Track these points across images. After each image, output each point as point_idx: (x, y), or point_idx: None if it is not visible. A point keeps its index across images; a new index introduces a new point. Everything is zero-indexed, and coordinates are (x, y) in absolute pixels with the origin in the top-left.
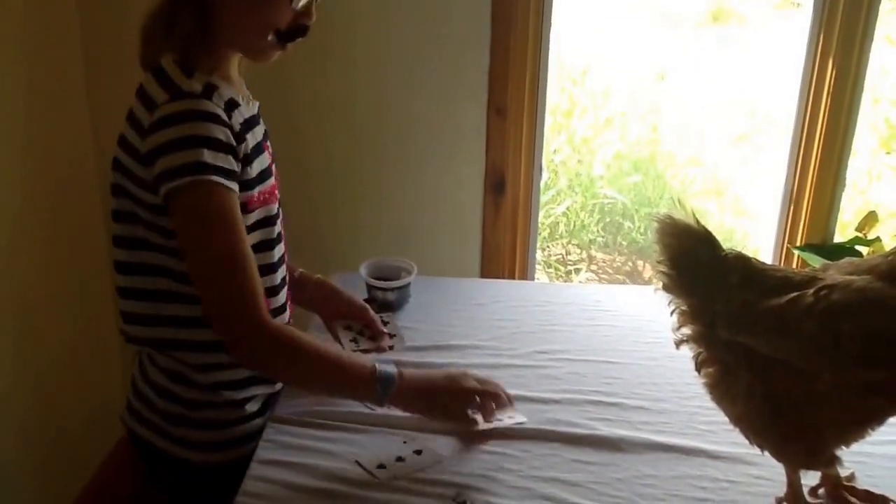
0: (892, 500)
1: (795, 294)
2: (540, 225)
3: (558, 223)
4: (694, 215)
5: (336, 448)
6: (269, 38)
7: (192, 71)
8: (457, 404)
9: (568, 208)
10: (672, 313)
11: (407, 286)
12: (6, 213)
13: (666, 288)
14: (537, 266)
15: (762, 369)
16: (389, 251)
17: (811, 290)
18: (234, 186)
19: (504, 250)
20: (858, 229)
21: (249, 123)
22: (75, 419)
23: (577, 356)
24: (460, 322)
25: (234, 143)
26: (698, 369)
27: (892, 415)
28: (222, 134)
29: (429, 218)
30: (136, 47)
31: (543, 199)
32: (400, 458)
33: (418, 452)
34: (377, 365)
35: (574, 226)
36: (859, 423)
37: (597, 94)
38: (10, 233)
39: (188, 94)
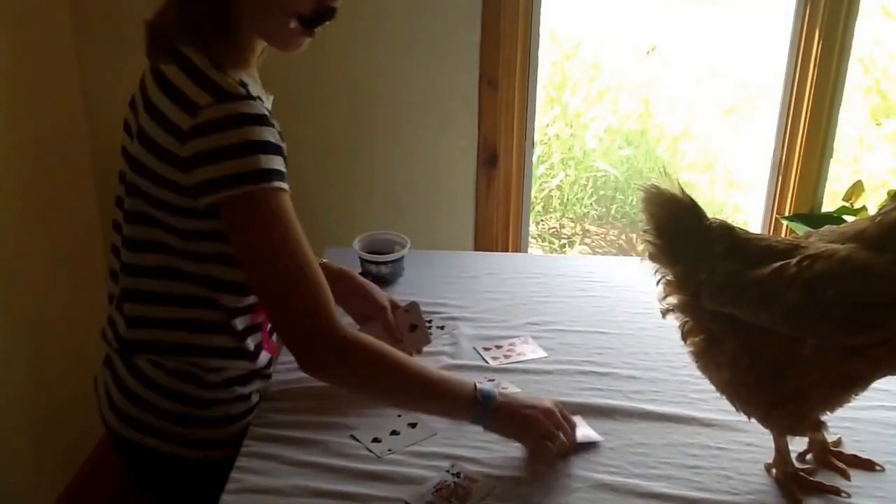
0: (878, 465)
1: (779, 264)
2: (534, 199)
3: (552, 197)
4: (679, 185)
5: (330, 422)
6: (292, 24)
7: (222, 66)
8: (542, 440)
9: (561, 181)
10: (658, 283)
11: (400, 260)
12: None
13: (652, 257)
14: (532, 240)
15: (747, 337)
16: (383, 225)
17: (794, 261)
18: (287, 187)
19: (497, 223)
20: (845, 199)
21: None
22: (72, 398)
23: (569, 327)
24: (453, 295)
25: (282, 143)
26: (684, 338)
27: (874, 379)
28: (272, 136)
29: (422, 192)
30: (133, 37)
31: (537, 172)
32: (394, 432)
33: (412, 426)
34: (477, 383)
35: (568, 199)
36: (843, 387)
37: (589, 68)
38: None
39: (233, 95)
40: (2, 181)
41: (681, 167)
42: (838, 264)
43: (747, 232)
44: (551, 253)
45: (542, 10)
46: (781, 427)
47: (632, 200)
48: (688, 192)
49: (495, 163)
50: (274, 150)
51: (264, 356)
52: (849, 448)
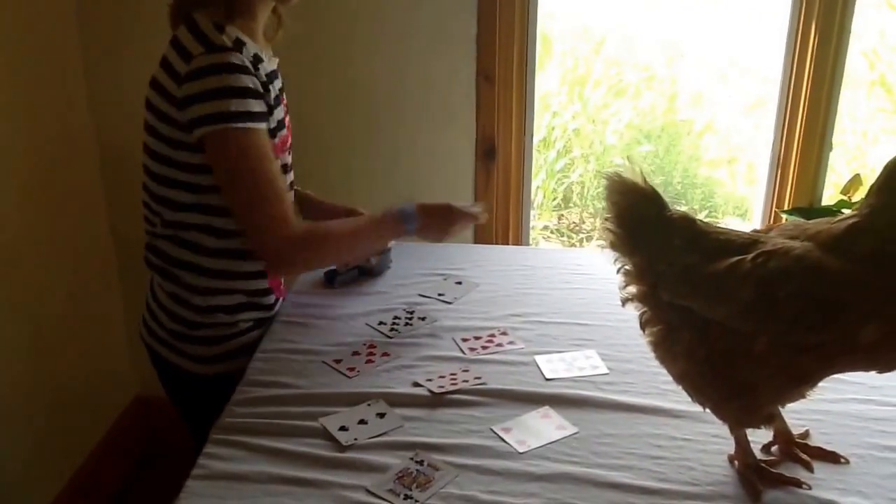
0: (843, 457)
1: (734, 260)
2: (553, 193)
3: (572, 191)
4: (642, 174)
5: (300, 411)
6: None
7: (223, 28)
8: (454, 226)
9: (581, 176)
10: (618, 272)
11: (388, 251)
12: (4, 184)
13: (612, 246)
14: (550, 235)
15: (702, 330)
16: None
17: (749, 257)
18: (263, 125)
19: (497, 217)
20: (843, 192)
21: (271, 77)
22: (80, 389)
23: (549, 319)
24: (438, 286)
25: (262, 91)
26: (643, 328)
27: (825, 375)
28: (251, 82)
29: (421, 185)
30: (137, 35)
31: (555, 167)
32: (362, 421)
33: (381, 416)
34: (396, 206)
35: (587, 194)
36: (795, 382)
37: (614, 63)
38: (9, 206)
39: (220, 47)
40: (8, 176)
41: (702, 162)
42: (792, 262)
43: (709, 224)
44: (570, 247)
45: (551, 4)
46: (734, 419)
47: None
48: (650, 181)
49: (493, 156)
50: (249, 94)
51: (259, 283)
52: (816, 440)
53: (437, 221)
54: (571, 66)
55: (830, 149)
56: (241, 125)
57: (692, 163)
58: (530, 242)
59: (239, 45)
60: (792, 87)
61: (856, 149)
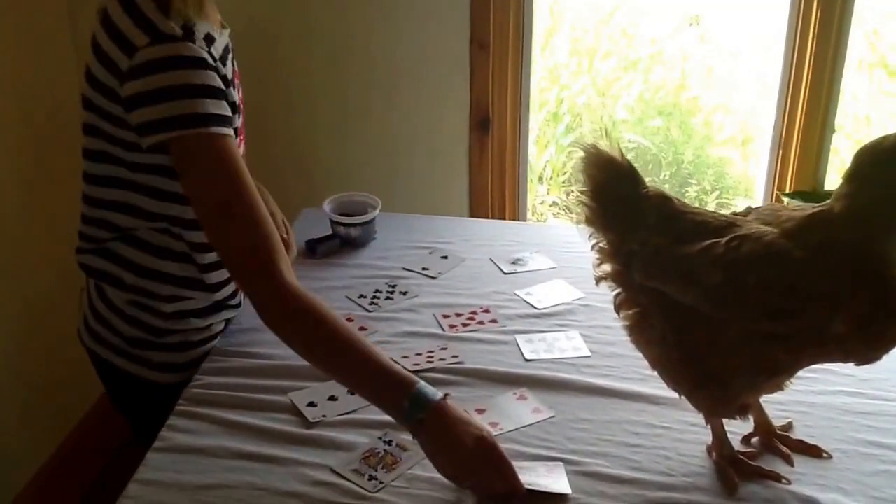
0: (826, 452)
1: (708, 243)
2: (562, 166)
3: None
4: (619, 148)
5: (269, 385)
6: None
7: (168, 8)
8: (485, 480)
9: None
10: (592, 248)
11: (371, 222)
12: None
13: (587, 221)
14: (560, 211)
15: (674, 315)
16: (376, 190)
17: (724, 240)
18: (231, 132)
19: (493, 190)
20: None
21: (223, 57)
22: (60, 367)
23: (533, 297)
24: (423, 259)
25: (224, 87)
26: (617, 310)
27: (799, 367)
28: (213, 80)
29: (415, 156)
30: None
31: (565, 140)
32: (332, 397)
33: (353, 392)
34: (421, 382)
35: None
36: (766, 373)
37: (624, 35)
38: (4, 186)
39: (170, 36)
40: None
41: (715, 142)
42: (762, 248)
43: (686, 204)
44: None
45: None
46: (706, 408)
47: (665, 175)
48: (627, 156)
49: (488, 127)
50: (214, 93)
51: (228, 289)
52: (800, 433)
53: (448, 444)
54: (580, 37)
55: (833, 132)
56: (207, 130)
57: (705, 142)
58: (533, 217)
59: (189, 31)
60: (794, 68)
61: (862, 133)
